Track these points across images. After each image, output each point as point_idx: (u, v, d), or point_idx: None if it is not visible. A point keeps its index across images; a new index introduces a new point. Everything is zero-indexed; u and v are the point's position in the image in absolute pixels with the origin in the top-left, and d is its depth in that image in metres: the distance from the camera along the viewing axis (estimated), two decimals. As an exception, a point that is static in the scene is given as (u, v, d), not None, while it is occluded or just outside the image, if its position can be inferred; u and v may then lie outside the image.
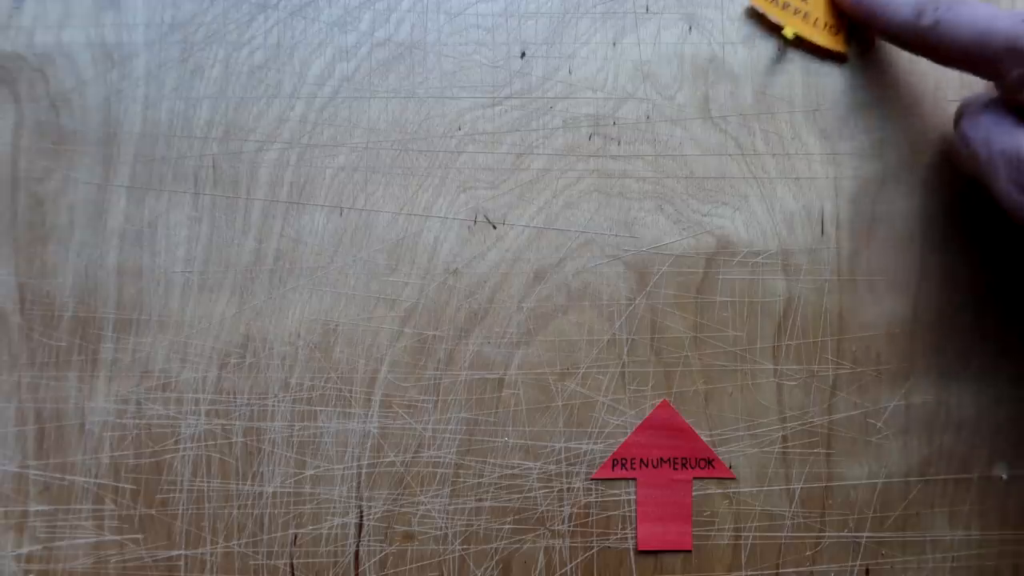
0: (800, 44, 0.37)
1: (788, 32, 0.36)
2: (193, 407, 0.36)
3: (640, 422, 0.36)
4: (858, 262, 0.37)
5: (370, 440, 0.36)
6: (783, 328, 0.36)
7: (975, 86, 0.37)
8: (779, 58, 0.37)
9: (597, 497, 0.36)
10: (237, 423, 0.36)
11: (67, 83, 0.37)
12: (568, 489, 0.36)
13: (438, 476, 0.36)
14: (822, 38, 0.36)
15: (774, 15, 0.36)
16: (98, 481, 0.36)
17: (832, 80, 0.37)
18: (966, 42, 0.30)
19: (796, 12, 0.36)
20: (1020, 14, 0.29)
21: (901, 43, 0.33)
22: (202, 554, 0.36)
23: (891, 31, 0.33)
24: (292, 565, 0.36)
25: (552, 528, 0.36)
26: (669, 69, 0.37)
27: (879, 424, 0.36)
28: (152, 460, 0.36)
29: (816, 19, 0.37)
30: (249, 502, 0.36)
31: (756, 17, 0.37)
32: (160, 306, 0.36)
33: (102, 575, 0.36)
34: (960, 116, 0.34)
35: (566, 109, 0.37)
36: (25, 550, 0.36)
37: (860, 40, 0.37)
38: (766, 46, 0.37)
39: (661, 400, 0.36)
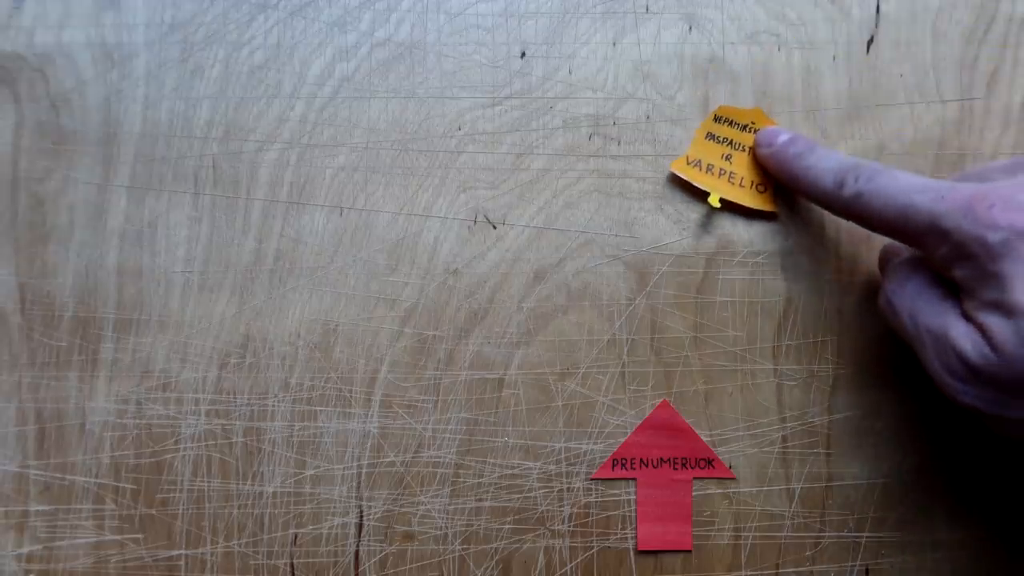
0: (728, 206, 0.36)
1: (714, 200, 0.36)
2: (193, 407, 0.36)
3: (640, 422, 0.36)
4: (858, 262, 0.37)
5: (370, 440, 0.36)
6: (783, 328, 0.36)
7: (977, 79, 0.37)
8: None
9: (597, 497, 0.36)
10: (237, 423, 0.36)
11: (67, 83, 0.37)
12: (568, 489, 0.36)
13: (438, 476, 0.36)
14: (749, 199, 0.36)
15: (698, 182, 0.36)
16: (98, 481, 0.36)
17: (832, 80, 0.37)
18: (888, 217, 0.29)
19: (721, 174, 0.36)
20: (940, 188, 0.28)
21: (826, 208, 0.33)
22: (202, 554, 0.36)
23: (814, 198, 0.33)
24: (292, 565, 0.36)
25: (552, 528, 0.36)
26: (669, 69, 0.37)
27: (879, 424, 0.36)
28: (152, 460, 0.36)
29: (742, 179, 0.36)
30: (249, 502, 0.36)
31: (680, 182, 0.37)
32: (160, 306, 0.36)
33: (102, 575, 0.36)
34: (883, 268, 0.33)
35: (566, 109, 0.37)
36: (25, 550, 0.36)
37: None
38: (767, 46, 0.37)
39: (661, 400, 0.36)
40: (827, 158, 0.32)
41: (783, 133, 0.35)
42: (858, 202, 0.30)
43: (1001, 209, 0.26)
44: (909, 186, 0.29)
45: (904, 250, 0.32)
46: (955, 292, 0.28)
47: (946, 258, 0.28)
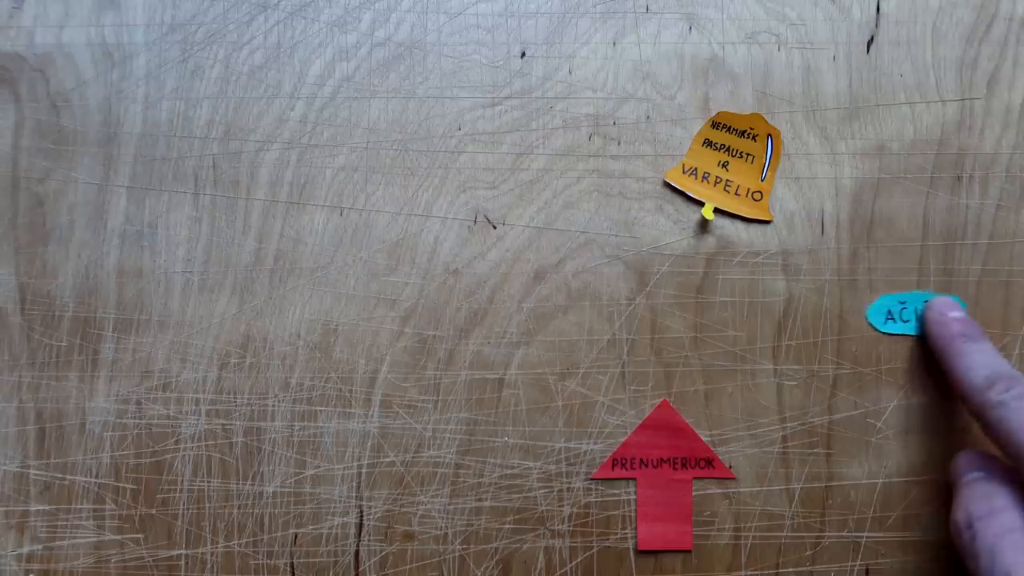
0: (723, 213, 0.36)
1: (707, 212, 0.36)
2: (193, 407, 0.36)
3: (640, 422, 0.36)
4: (858, 262, 0.37)
5: (370, 440, 0.36)
6: (783, 328, 0.36)
7: (977, 79, 0.37)
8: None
9: (597, 497, 0.36)
10: (237, 423, 0.36)
11: (67, 83, 0.37)
12: (568, 489, 0.36)
13: (438, 476, 0.36)
14: (744, 208, 0.36)
15: (692, 191, 0.36)
16: (99, 481, 0.36)
17: (832, 80, 0.37)
18: (1016, 439, 0.28)
19: (717, 182, 0.36)
20: None
21: (961, 398, 0.32)
22: (202, 554, 0.36)
23: (957, 385, 0.32)
24: (292, 565, 0.36)
25: (552, 528, 0.36)
26: (669, 69, 0.37)
27: (879, 424, 0.36)
28: (152, 460, 0.36)
29: (738, 187, 0.36)
30: (249, 502, 0.36)
31: (674, 191, 0.36)
32: (160, 306, 0.37)
33: (103, 575, 0.36)
34: (957, 477, 0.32)
35: (566, 109, 0.37)
36: (26, 550, 0.36)
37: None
38: (767, 46, 0.37)
39: (661, 400, 0.36)
40: (988, 354, 0.32)
41: (958, 310, 0.35)
42: (996, 410, 0.30)
43: None
44: None
45: (984, 466, 0.31)
46: None
47: None
